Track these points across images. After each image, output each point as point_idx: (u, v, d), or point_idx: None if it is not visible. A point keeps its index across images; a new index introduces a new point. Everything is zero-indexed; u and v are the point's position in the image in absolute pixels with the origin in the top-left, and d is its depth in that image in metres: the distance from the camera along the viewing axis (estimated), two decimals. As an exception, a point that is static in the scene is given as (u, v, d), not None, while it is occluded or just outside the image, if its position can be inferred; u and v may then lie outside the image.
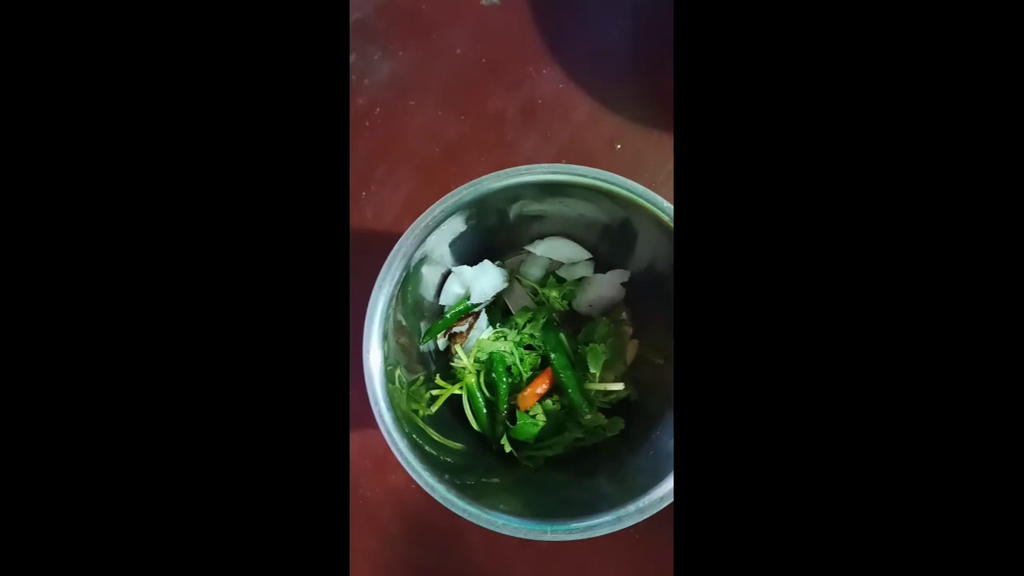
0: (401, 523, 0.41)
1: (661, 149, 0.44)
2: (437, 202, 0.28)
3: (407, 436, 0.28)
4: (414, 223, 0.29)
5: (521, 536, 0.29)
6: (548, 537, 0.29)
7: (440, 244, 0.34)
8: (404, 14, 0.45)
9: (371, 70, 0.45)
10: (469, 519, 0.29)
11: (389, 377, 0.30)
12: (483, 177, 0.28)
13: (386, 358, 0.29)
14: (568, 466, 0.36)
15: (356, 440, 0.37)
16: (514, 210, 0.34)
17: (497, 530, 0.29)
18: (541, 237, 0.37)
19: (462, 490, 0.29)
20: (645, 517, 0.29)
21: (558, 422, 0.36)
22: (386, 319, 0.29)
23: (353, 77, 0.45)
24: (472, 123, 0.45)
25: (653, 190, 0.44)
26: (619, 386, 0.35)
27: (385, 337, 0.29)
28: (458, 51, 0.45)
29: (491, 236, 0.36)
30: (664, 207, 0.29)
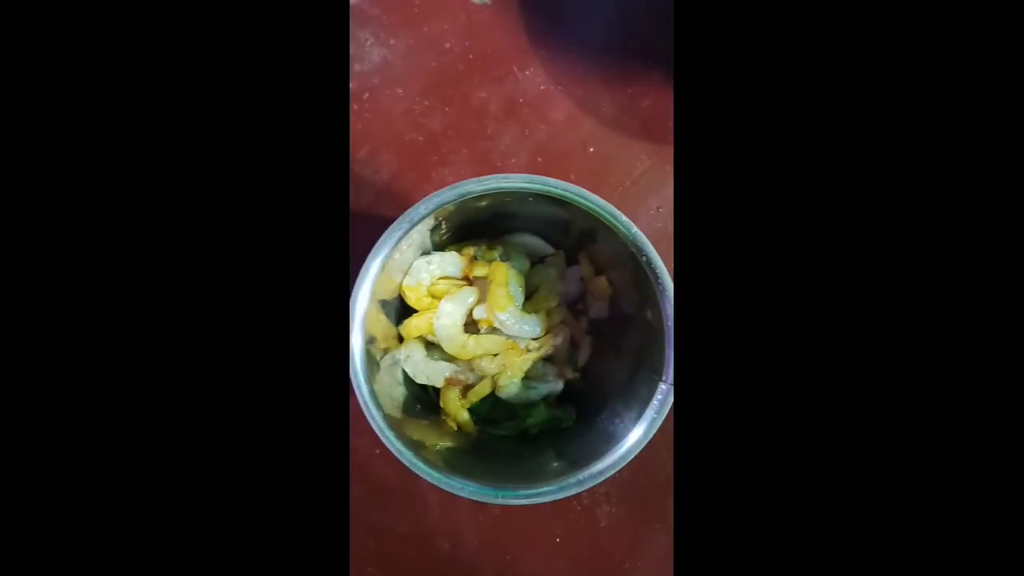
0: (361, 485, 0.45)
1: (630, 155, 0.48)
2: (419, 202, 0.31)
3: (381, 409, 0.32)
4: (396, 221, 0.32)
5: (476, 499, 0.33)
6: (500, 501, 0.33)
7: (421, 232, 0.37)
8: (398, 4, 0.47)
9: (362, 56, 0.47)
10: (434, 483, 0.32)
11: (368, 354, 0.33)
12: (464, 181, 0.31)
13: (366, 337, 0.33)
14: (520, 440, 0.40)
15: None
16: (489, 207, 0.37)
17: (456, 492, 0.33)
18: (510, 232, 0.41)
19: (428, 457, 0.33)
20: (585, 488, 0.33)
21: (512, 408, 0.40)
22: (368, 304, 0.32)
23: (344, 60, 0.46)
24: (455, 115, 0.47)
25: (620, 194, 0.48)
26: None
27: (365, 318, 0.32)
28: (447, 45, 0.47)
29: (467, 229, 0.40)
30: (623, 221, 0.33)
